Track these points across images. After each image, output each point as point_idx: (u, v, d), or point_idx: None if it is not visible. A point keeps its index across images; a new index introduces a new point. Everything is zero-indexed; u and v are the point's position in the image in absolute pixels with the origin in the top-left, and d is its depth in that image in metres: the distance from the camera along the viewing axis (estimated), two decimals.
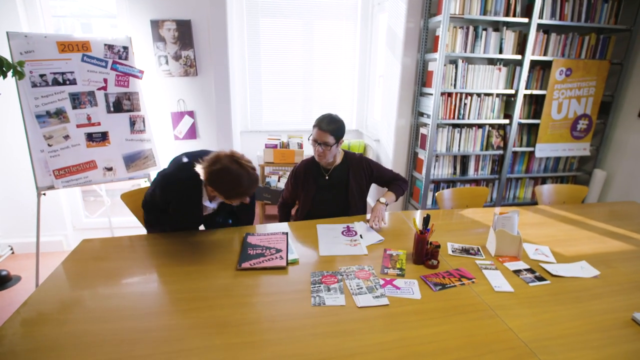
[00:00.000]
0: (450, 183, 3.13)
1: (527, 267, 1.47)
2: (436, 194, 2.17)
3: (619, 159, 3.09)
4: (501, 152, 3.06)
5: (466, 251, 1.59)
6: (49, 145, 2.25)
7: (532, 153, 3.17)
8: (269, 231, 1.71)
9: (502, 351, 1.03)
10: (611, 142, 3.15)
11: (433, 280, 1.36)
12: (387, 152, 3.37)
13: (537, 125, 3.07)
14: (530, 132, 3.13)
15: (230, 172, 1.36)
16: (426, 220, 1.47)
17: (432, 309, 1.21)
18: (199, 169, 1.42)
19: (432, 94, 2.83)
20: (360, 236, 1.69)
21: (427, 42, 2.91)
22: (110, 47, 2.35)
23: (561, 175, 3.29)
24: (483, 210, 2.09)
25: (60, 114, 2.27)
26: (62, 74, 2.24)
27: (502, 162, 3.09)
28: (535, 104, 3.06)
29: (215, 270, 1.40)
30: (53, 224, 2.91)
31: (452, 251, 1.59)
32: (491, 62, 2.98)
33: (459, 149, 3.01)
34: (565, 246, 1.66)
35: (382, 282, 1.34)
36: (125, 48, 2.39)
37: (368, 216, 1.86)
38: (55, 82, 2.24)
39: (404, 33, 2.92)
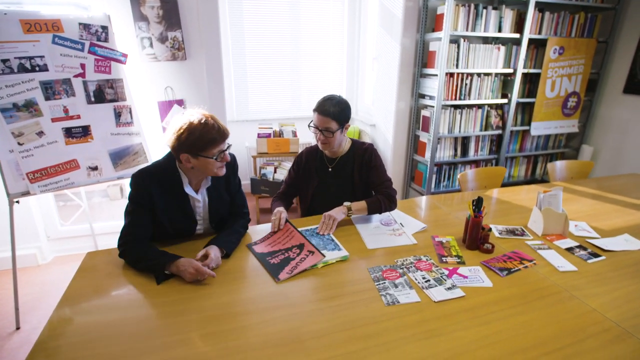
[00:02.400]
0: (452, 165, 3.13)
1: (576, 244, 1.45)
2: (459, 175, 2.12)
3: (604, 134, 3.24)
4: (499, 131, 3.09)
5: (512, 232, 1.55)
6: (20, 143, 1.91)
7: (525, 132, 3.24)
8: (267, 231, 1.48)
9: (598, 334, 0.98)
10: (597, 118, 3.29)
11: (496, 265, 1.29)
12: (386, 137, 3.30)
13: (531, 104, 3.12)
14: (524, 111, 3.19)
15: (192, 121, 1.24)
16: (479, 202, 1.40)
17: (509, 297, 1.14)
18: (166, 139, 1.28)
19: (434, 75, 2.78)
20: (401, 224, 1.59)
21: (426, 21, 2.83)
22: (86, 26, 2.02)
23: (551, 152, 3.41)
24: (505, 190, 2.07)
25: (30, 107, 1.92)
26: (30, 58, 1.90)
27: (500, 141, 3.13)
28: (529, 83, 3.10)
29: (253, 285, 1.24)
30: (24, 234, 2.53)
31: (499, 233, 1.54)
32: (486, 41, 2.96)
33: (460, 131, 2.99)
34: (599, 220, 1.68)
35: (446, 272, 1.25)
36: (104, 28, 2.07)
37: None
38: (22, 69, 1.89)
39: (403, 12, 2.81)
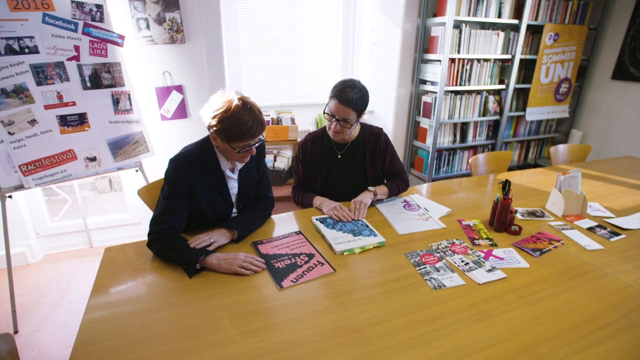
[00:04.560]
0: (451, 151, 3.16)
1: (595, 223, 1.50)
2: (470, 160, 2.14)
3: (592, 119, 3.37)
4: (497, 117, 3.14)
5: (533, 214, 1.58)
6: (10, 133, 1.76)
7: (519, 117, 3.32)
8: (279, 233, 1.38)
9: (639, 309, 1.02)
10: (585, 104, 3.41)
11: (527, 246, 1.32)
12: (386, 123, 3.28)
13: (525, 90, 3.19)
14: (519, 97, 3.25)
15: (230, 107, 1.18)
16: (507, 185, 1.41)
17: (548, 276, 1.16)
18: (203, 112, 1.23)
19: (437, 61, 2.77)
20: (426, 209, 1.59)
21: (428, 6, 2.81)
22: (79, 4, 1.85)
23: (542, 137, 3.52)
24: (513, 174, 2.12)
25: (21, 92, 1.76)
26: (18, 39, 1.73)
27: (497, 127, 3.19)
28: (524, 69, 3.16)
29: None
30: (11, 231, 2.34)
31: (521, 215, 1.57)
32: (483, 26, 2.98)
33: (459, 116, 3.02)
34: (610, 201, 1.74)
35: (482, 254, 1.26)
36: (99, 7, 1.91)
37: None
38: (10, 50, 1.72)
39: None
